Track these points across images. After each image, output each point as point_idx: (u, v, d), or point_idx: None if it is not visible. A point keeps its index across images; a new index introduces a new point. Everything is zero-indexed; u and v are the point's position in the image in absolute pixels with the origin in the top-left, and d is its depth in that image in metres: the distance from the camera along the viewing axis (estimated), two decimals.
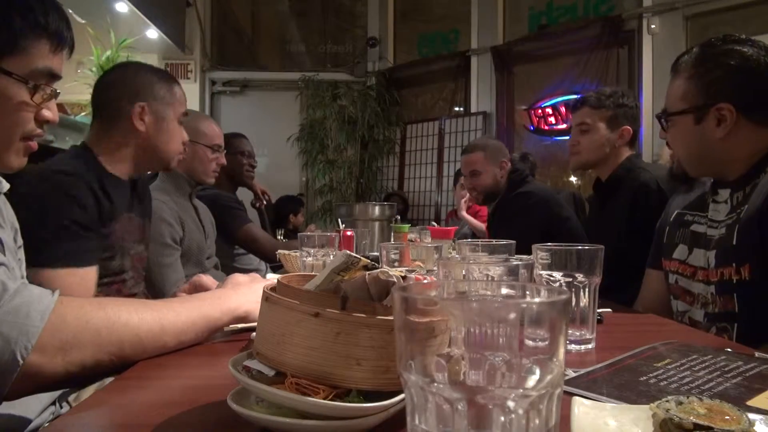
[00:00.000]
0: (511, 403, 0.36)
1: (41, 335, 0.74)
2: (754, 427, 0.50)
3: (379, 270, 0.61)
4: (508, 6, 5.89)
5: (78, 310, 0.79)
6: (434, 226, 3.42)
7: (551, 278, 0.92)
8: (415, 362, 0.39)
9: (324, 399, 0.53)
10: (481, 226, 3.69)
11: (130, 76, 1.53)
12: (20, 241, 1.03)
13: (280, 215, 4.96)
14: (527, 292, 0.43)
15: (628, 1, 5.02)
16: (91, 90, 1.56)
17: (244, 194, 2.86)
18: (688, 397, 0.54)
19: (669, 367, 0.77)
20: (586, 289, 0.91)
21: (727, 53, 1.23)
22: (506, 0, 5.88)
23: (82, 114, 3.61)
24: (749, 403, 0.64)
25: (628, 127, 2.00)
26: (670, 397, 0.54)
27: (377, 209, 2.69)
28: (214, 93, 6.70)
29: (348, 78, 6.70)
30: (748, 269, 1.13)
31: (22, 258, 1.03)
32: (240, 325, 0.96)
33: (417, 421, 0.39)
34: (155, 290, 1.73)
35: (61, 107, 3.34)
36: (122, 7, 4.61)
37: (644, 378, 0.72)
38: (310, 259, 1.53)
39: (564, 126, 5.18)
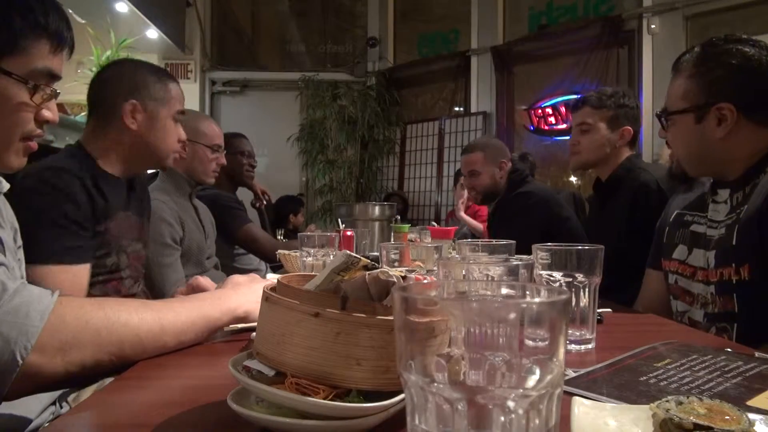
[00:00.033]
0: (511, 403, 0.36)
1: (41, 335, 0.74)
2: (754, 427, 0.50)
3: (379, 270, 0.61)
4: (508, 6, 5.89)
5: (78, 310, 0.79)
6: (434, 226, 3.42)
7: (551, 278, 0.92)
8: (415, 362, 0.39)
9: (324, 399, 0.53)
10: (479, 226, 3.69)
11: (123, 74, 1.52)
12: (20, 241, 1.03)
13: (280, 215, 4.96)
14: (527, 292, 0.43)
15: (628, 1, 5.02)
16: None
17: (244, 194, 2.86)
18: (688, 397, 0.54)
19: (669, 367, 0.77)
20: (586, 289, 0.91)
21: (728, 53, 1.23)
22: (506, 0, 5.88)
23: (82, 114, 3.60)
24: (749, 403, 0.64)
25: (629, 128, 2.00)
26: (670, 397, 0.54)
27: (377, 209, 2.69)
28: (214, 93, 6.70)
29: (348, 78, 6.70)
30: (748, 269, 1.13)
31: (21, 258, 1.03)
32: (240, 325, 0.96)
33: (417, 421, 0.39)
34: (155, 290, 1.73)
35: (61, 107, 3.35)
36: (122, 7, 4.61)
37: (644, 378, 0.72)
38: (310, 259, 1.53)
39: (564, 126, 5.18)
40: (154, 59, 5.60)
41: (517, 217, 2.48)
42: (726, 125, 1.23)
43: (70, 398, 0.95)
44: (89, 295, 1.32)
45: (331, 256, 1.48)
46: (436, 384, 0.37)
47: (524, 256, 0.92)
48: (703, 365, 0.77)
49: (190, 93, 6.09)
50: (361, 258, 0.62)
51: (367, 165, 6.49)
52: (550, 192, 2.71)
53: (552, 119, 5.36)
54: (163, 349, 0.86)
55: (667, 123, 1.35)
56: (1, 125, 0.92)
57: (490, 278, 0.78)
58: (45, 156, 1.37)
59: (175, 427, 0.59)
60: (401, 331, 0.40)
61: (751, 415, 0.52)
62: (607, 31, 4.88)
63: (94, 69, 3.56)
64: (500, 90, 5.71)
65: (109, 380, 0.81)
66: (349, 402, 0.53)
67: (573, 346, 0.90)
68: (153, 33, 5.25)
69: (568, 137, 2.24)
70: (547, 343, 0.37)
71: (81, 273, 1.30)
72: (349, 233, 2.01)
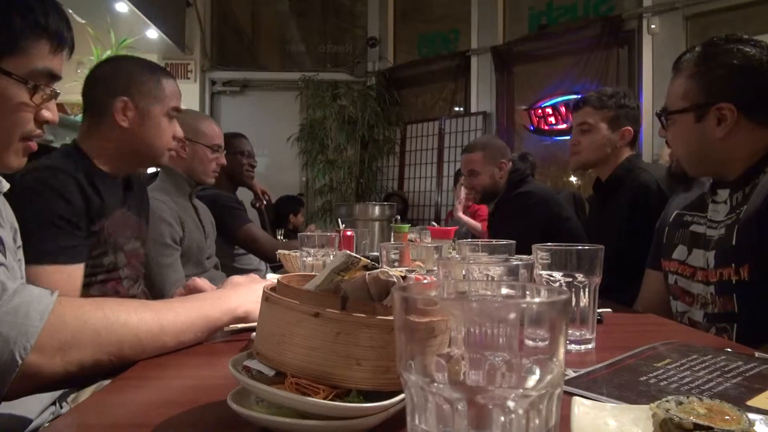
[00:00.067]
0: (511, 403, 0.36)
1: (40, 335, 0.74)
2: (754, 427, 0.50)
3: (379, 270, 0.61)
4: (508, 6, 5.89)
5: (77, 311, 0.79)
6: (434, 226, 3.42)
7: (551, 278, 0.92)
8: (415, 362, 0.39)
9: (324, 399, 0.53)
10: (478, 225, 3.70)
11: (116, 71, 1.50)
12: (20, 242, 1.03)
13: (280, 215, 4.96)
14: (527, 292, 0.43)
15: (628, 1, 5.02)
16: None
17: (244, 194, 2.86)
18: (688, 397, 0.54)
19: (669, 367, 0.77)
20: (586, 289, 0.91)
21: (729, 52, 1.23)
22: (506, 0, 5.88)
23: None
24: (749, 403, 0.64)
25: (630, 128, 2.00)
26: (670, 397, 0.54)
27: (377, 209, 2.69)
28: (214, 93, 6.71)
29: (348, 78, 6.70)
30: (747, 270, 1.13)
31: (21, 258, 1.03)
32: (240, 325, 0.96)
33: (417, 421, 0.39)
34: (155, 290, 1.73)
35: (61, 107, 3.35)
36: (122, 7, 4.61)
37: (644, 378, 0.72)
38: (310, 259, 1.53)
39: (564, 126, 5.18)
40: (154, 59, 5.55)
41: (517, 217, 2.48)
42: (726, 125, 1.23)
43: (70, 398, 0.95)
44: (88, 296, 1.32)
45: (331, 256, 1.48)
46: (436, 384, 0.37)
47: (524, 256, 0.92)
48: (703, 365, 0.77)
49: (190, 93, 6.10)
50: (361, 258, 0.62)
51: (367, 165, 6.49)
52: (550, 192, 2.72)
53: (552, 119, 5.37)
54: (163, 349, 0.86)
55: (667, 122, 1.35)
56: (0, 125, 0.92)
57: (490, 278, 0.78)
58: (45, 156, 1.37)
59: (175, 427, 0.59)
60: (401, 331, 0.40)
61: (751, 415, 0.52)
62: (607, 31, 4.88)
63: None
64: (500, 90, 5.71)
65: (106, 383, 0.81)
66: (349, 402, 0.53)
67: (573, 346, 0.90)
68: (153, 33, 5.25)
69: (568, 137, 2.24)
70: (547, 343, 0.37)
71: (75, 273, 1.29)
72: (349, 233, 2.01)
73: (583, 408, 0.56)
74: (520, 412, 0.36)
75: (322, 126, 6.47)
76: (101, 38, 3.75)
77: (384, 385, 0.54)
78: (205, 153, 2.05)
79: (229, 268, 2.40)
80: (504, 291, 0.46)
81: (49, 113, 0.97)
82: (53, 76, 0.96)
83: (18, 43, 0.91)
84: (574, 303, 0.90)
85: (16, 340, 0.72)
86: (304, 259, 1.54)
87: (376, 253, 1.82)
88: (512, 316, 0.37)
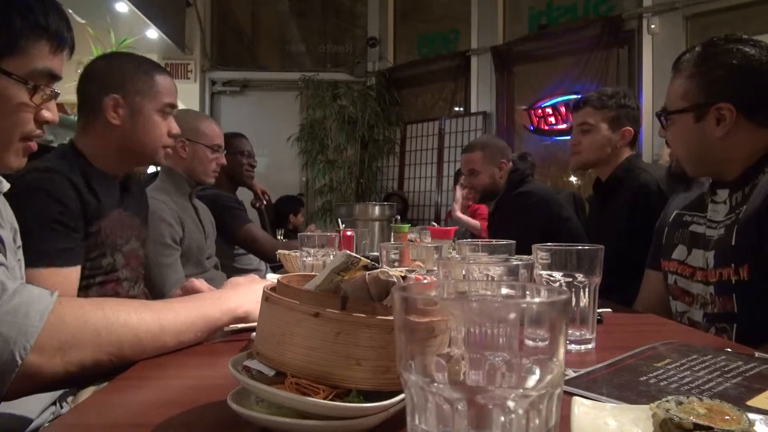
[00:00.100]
0: (511, 403, 0.36)
1: (40, 335, 0.74)
2: (754, 427, 0.50)
3: (379, 270, 0.61)
4: (508, 6, 5.89)
5: (77, 311, 0.79)
6: (434, 226, 3.42)
7: (551, 278, 0.92)
8: (415, 362, 0.39)
9: (324, 399, 0.53)
10: (477, 224, 3.70)
11: (106, 68, 1.48)
12: (20, 242, 1.03)
13: (280, 215, 4.96)
14: (527, 292, 0.43)
15: (628, 1, 5.02)
16: None
17: (244, 194, 2.86)
18: (688, 397, 0.54)
19: (669, 367, 0.77)
20: (586, 289, 0.91)
21: (729, 52, 1.23)
22: (506, 0, 5.88)
23: None
24: (749, 403, 0.64)
25: (630, 128, 2.00)
26: (670, 397, 0.54)
27: (377, 209, 2.69)
28: (214, 93, 6.71)
29: (348, 78, 6.70)
30: (747, 270, 1.13)
31: (21, 258, 1.03)
32: (240, 325, 0.96)
33: (417, 421, 0.39)
34: (155, 290, 1.73)
35: (61, 107, 3.35)
36: (122, 7, 4.60)
37: (644, 378, 0.72)
38: (310, 259, 1.53)
39: (564, 126, 5.18)
40: (153, 59, 5.59)
41: (517, 217, 2.48)
42: (725, 125, 1.23)
43: (70, 398, 0.95)
44: (88, 297, 1.32)
45: (331, 256, 1.48)
46: (436, 384, 0.37)
47: (524, 256, 0.92)
48: (703, 365, 0.77)
49: (190, 93, 6.10)
50: (361, 258, 0.62)
51: (367, 165, 6.49)
52: (550, 192, 2.72)
53: (552, 119, 5.37)
54: (163, 350, 0.86)
55: (667, 122, 1.36)
56: (1, 125, 0.92)
57: (490, 278, 0.78)
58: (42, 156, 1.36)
59: (174, 427, 0.59)
60: (401, 331, 0.40)
61: (751, 415, 0.52)
62: (607, 31, 4.88)
63: None
64: (500, 90, 5.72)
65: (105, 384, 0.81)
66: (349, 402, 0.53)
67: (573, 346, 0.90)
68: (153, 33, 5.25)
69: (568, 137, 2.25)
70: (547, 343, 0.37)
71: (72, 275, 1.28)
72: (349, 233, 2.01)
73: (583, 408, 0.56)
74: (520, 412, 0.36)
75: (322, 126, 6.47)
76: (101, 38, 3.75)
77: (384, 385, 0.54)
78: (205, 153, 2.05)
79: (229, 268, 2.40)
80: (504, 291, 0.46)
81: (49, 113, 0.97)
82: (53, 77, 0.96)
83: (18, 44, 0.91)
84: (574, 303, 0.90)
85: (16, 340, 0.72)
86: (304, 259, 1.54)
87: (376, 253, 1.83)
88: (512, 316, 0.37)
